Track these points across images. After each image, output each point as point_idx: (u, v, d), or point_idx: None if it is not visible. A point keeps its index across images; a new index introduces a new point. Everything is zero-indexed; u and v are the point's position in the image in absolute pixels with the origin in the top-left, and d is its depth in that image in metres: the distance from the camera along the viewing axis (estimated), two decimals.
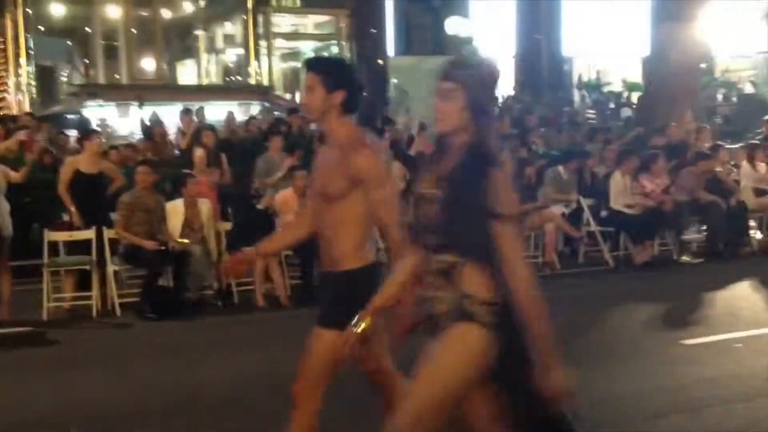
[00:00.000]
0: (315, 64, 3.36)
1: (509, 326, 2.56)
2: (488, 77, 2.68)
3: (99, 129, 12.51)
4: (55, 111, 18.97)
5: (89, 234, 7.81)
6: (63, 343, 6.94)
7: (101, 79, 24.13)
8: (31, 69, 21.81)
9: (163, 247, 7.66)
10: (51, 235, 7.91)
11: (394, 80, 22.31)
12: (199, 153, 8.98)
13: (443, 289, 2.62)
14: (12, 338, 6.92)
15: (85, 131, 9.98)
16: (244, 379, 5.58)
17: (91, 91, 20.60)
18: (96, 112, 18.71)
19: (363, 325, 2.86)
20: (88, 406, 5.13)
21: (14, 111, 19.10)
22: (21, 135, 9.77)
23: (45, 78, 22.94)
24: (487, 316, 2.58)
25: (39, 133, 11.36)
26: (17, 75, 21.44)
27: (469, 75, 2.63)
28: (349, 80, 3.29)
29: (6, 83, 21.14)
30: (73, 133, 12.69)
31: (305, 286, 8.21)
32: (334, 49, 24.18)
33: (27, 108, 19.64)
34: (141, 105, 18.03)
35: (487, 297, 2.59)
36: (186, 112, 12.33)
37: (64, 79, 24.17)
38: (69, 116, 17.54)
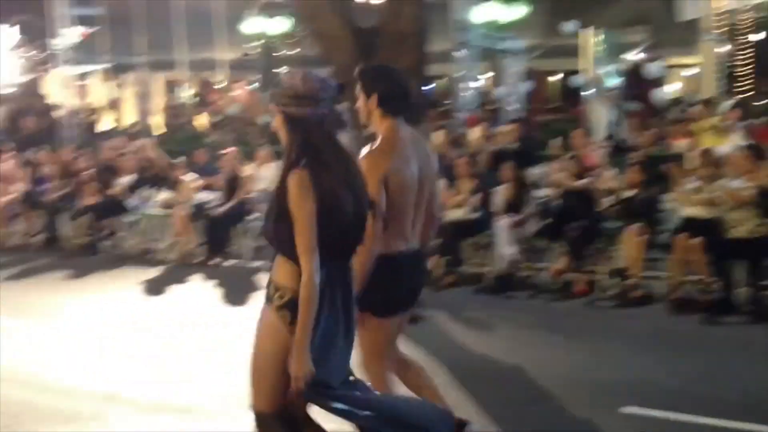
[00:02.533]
0: (357, 72, 3.73)
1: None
2: (293, 90, 3.05)
3: None
4: None
5: None
6: None
7: None
8: None
9: None
10: None
11: None
12: None
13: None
14: None
15: None
16: None
17: None
18: None
19: None
20: None
21: None
22: None
23: None
24: (278, 299, 3.02)
25: None
26: None
27: (278, 93, 3.09)
28: (381, 84, 3.64)
29: None
30: None
31: None
32: None
33: None
34: None
35: (281, 284, 3.02)
36: None
37: None
38: None
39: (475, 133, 11.05)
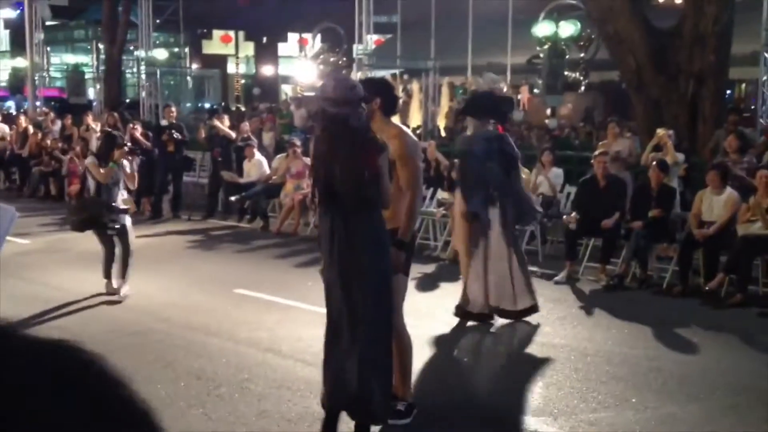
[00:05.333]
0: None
1: None
2: (326, 93, 4.22)
3: None
4: None
5: None
6: None
7: None
8: None
9: None
10: None
11: None
12: None
13: None
14: None
15: None
16: None
17: None
18: None
19: None
20: None
21: None
22: None
23: None
24: None
25: None
26: None
27: (321, 95, 4.32)
28: (382, 92, 4.67)
29: None
30: None
31: None
32: None
33: None
34: None
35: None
36: None
37: None
38: None
39: None
